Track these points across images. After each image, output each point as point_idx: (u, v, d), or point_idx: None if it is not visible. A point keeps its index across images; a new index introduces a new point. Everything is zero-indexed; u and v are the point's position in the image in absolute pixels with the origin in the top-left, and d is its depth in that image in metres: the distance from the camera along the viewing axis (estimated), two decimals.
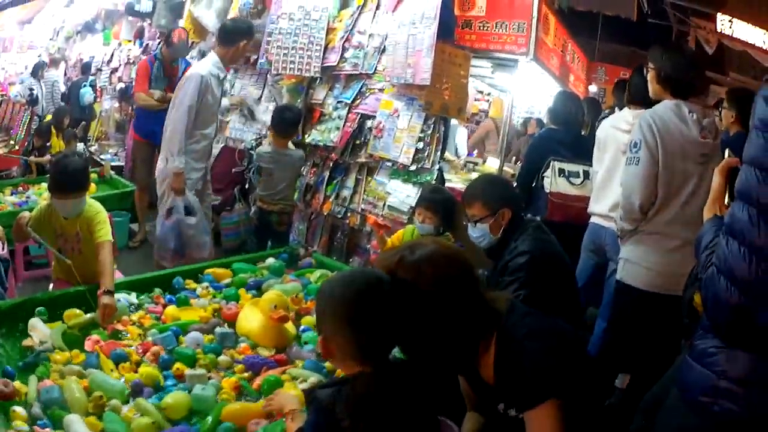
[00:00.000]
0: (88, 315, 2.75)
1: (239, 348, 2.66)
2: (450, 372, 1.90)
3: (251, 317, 2.82)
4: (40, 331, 2.56)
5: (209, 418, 2.13)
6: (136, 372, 2.42)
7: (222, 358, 2.57)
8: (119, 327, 2.75)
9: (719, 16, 7.33)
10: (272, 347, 2.70)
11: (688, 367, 1.68)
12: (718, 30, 7.34)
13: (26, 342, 2.52)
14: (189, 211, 4.21)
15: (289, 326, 2.81)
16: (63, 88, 10.77)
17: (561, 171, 3.97)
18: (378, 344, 1.62)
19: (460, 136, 6.71)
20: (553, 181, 3.95)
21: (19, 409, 2.04)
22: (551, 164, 3.99)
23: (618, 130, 3.47)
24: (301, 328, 2.86)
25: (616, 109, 4.41)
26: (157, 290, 3.17)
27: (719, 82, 7.98)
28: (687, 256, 2.71)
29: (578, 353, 1.82)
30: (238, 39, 4.30)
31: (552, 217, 3.87)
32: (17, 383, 2.18)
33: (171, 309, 2.95)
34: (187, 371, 2.42)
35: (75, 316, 2.73)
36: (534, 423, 1.67)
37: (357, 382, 1.56)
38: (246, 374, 2.48)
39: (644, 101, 3.46)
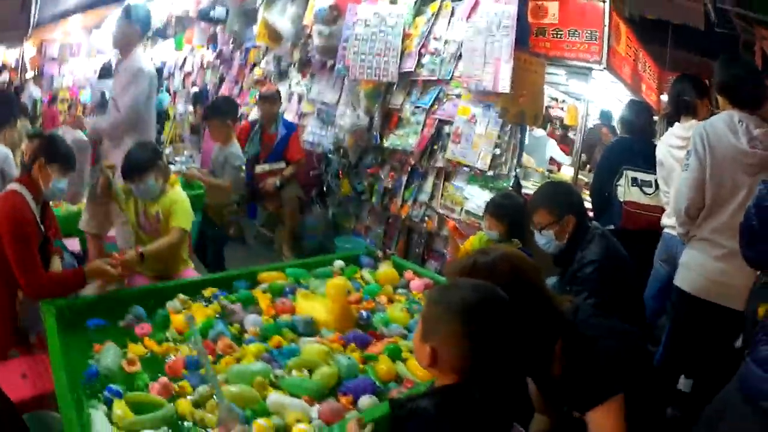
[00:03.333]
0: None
1: (332, 336, 2.72)
2: (522, 373, 1.93)
3: (315, 306, 2.93)
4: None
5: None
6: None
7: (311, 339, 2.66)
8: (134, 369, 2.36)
9: None
10: (346, 329, 2.80)
11: (751, 372, 1.70)
12: None
13: None
14: None
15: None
16: None
17: (634, 180, 3.95)
18: (489, 359, 1.58)
19: (551, 147, 6.59)
20: (626, 190, 3.93)
21: None
22: (624, 173, 3.98)
23: (673, 147, 3.56)
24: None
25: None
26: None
27: None
28: (734, 266, 2.77)
29: (641, 353, 1.89)
30: None
31: (625, 226, 3.86)
32: None
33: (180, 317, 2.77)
34: (302, 340, 2.61)
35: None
36: (596, 422, 1.72)
37: (461, 392, 1.56)
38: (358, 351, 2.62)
39: (686, 109, 3.57)
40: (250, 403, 2.10)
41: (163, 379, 2.24)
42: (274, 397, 2.14)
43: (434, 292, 1.77)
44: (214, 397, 2.09)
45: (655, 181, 3.90)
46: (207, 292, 3.06)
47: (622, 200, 3.93)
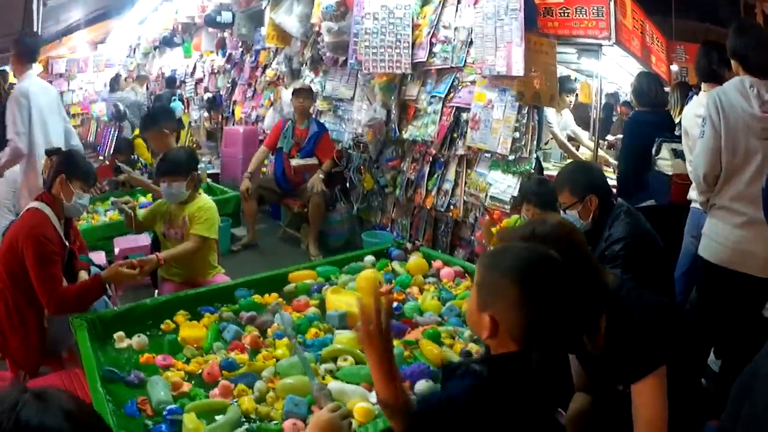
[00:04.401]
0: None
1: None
2: (566, 351, 1.92)
3: (346, 300, 2.97)
4: None
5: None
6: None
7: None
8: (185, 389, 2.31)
9: None
10: None
11: None
12: None
13: None
14: None
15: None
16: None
17: (674, 152, 3.81)
18: (547, 323, 1.50)
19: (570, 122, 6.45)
20: (672, 163, 3.80)
21: None
22: (662, 146, 3.87)
23: (698, 116, 3.42)
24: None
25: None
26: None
27: None
28: (755, 233, 2.78)
29: (680, 324, 1.88)
30: None
31: (676, 199, 3.72)
32: None
33: (187, 331, 2.73)
34: (337, 331, 2.69)
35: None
36: (641, 395, 1.74)
37: (518, 360, 1.50)
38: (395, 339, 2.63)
39: (715, 79, 3.46)
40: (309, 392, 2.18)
41: (224, 381, 2.29)
42: (334, 384, 2.21)
43: (487, 258, 1.67)
44: (306, 376, 2.22)
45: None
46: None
47: (670, 174, 3.80)
